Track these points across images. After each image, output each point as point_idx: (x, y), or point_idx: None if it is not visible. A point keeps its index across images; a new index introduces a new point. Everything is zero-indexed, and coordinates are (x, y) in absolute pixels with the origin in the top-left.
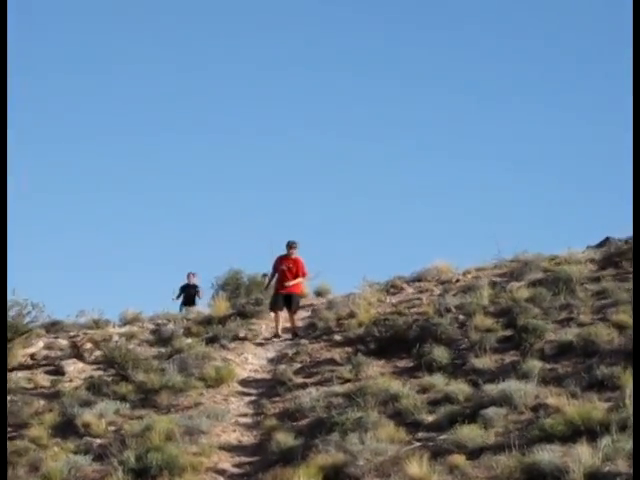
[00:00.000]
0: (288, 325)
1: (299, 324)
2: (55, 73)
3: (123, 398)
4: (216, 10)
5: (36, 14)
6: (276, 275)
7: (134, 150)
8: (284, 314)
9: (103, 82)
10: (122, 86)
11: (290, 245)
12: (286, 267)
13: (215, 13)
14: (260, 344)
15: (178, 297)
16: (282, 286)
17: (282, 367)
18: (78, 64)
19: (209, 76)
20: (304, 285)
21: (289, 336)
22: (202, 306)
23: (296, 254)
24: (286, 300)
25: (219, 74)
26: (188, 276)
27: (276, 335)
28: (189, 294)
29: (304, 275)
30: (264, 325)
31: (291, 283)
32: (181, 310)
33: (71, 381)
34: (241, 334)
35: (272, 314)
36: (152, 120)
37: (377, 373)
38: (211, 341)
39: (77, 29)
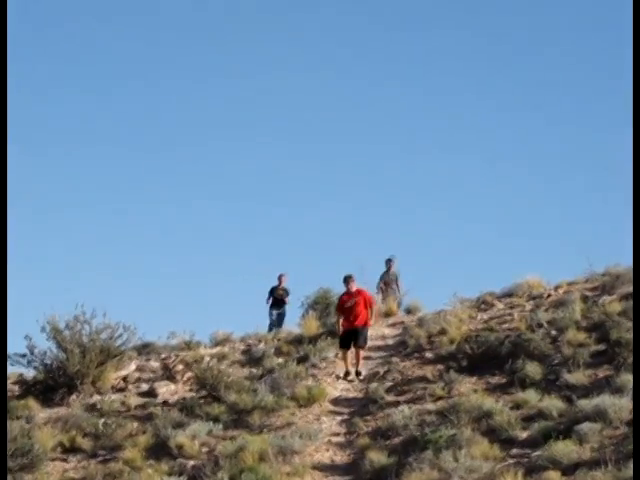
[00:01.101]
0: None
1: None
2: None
3: (216, 419)
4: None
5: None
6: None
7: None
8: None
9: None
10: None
11: (347, 280)
12: (350, 304)
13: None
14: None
15: (268, 300)
16: (349, 323)
17: (374, 385)
18: (81, 65)
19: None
20: (375, 314)
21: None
22: (290, 310)
23: (355, 286)
24: (352, 334)
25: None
26: (279, 278)
27: (347, 373)
28: (278, 295)
29: (371, 305)
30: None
31: (358, 317)
32: (270, 314)
33: (164, 403)
34: (332, 353)
35: (341, 352)
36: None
37: (469, 390)
38: (302, 360)
39: (76, 28)
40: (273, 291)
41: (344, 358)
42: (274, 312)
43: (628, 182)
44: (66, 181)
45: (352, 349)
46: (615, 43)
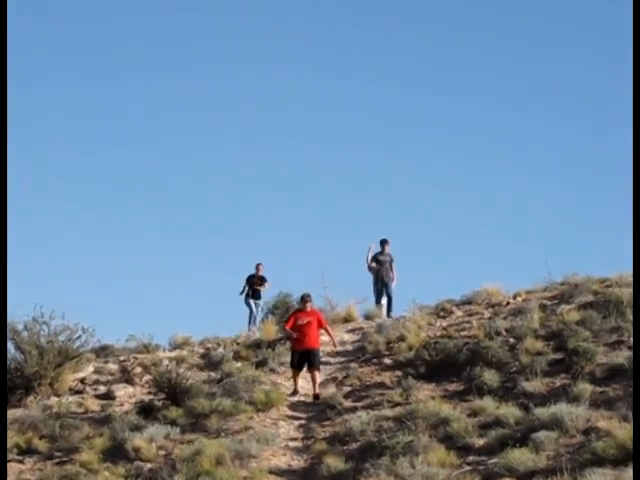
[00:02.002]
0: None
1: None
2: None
3: (173, 422)
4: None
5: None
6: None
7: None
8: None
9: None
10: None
11: (304, 299)
12: (302, 322)
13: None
14: None
15: (242, 291)
16: (301, 342)
17: (332, 391)
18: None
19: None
20: (332, 334)
21: (309, 396)
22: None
23: (310, 307)
24: (306, 356)
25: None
26: (257, 267)
27: (295, 391)
28: (257, 284)
29: (325, 328)
30: None
31: (311, 338)
32: (247, 303)
33: (121, 405)
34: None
35: (292, 371)
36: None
37: (427, 397)
38: (260, 365)
39: (77, 28)
40: (250, 279)
41: (294, 377)
42: (252, 302)
43: (587, 190)
44: (27, 179)
45: (304, 370)
46: (615, 44)
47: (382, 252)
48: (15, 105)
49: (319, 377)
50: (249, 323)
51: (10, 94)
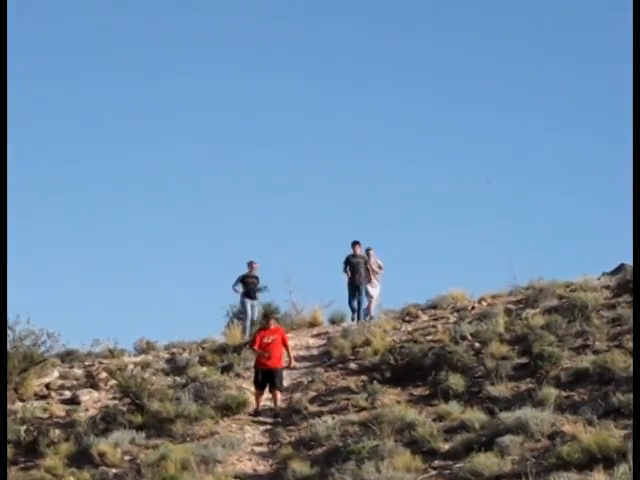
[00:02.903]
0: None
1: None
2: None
3: (139, 427)
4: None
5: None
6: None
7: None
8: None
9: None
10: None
11: (267, 316)
12: (268, 340)
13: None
14: None
15: (236, 286)
16: (264, 360)
17: (297, 395)
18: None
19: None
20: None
21: (269, 415)
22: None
23: (274, 324)
24: (269, 376)
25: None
26: (250, 265)
27: (256, 412)
28: (252, 284)
29: (286, 345)
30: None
31: (275, 357)
32: (243, 303)
33: (86, 410)
34: None
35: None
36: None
37: (393, 401)
38: (226, 370)
39: (76, 27)
40: (244, 279)
41: (256, 397)
42: (248, 302)
43: (553, 194)
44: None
45: (266, 390)
46: (615, 44)
47: (354, 254)
48: None
49: (280, 396)
50: (246, 326)
51: None
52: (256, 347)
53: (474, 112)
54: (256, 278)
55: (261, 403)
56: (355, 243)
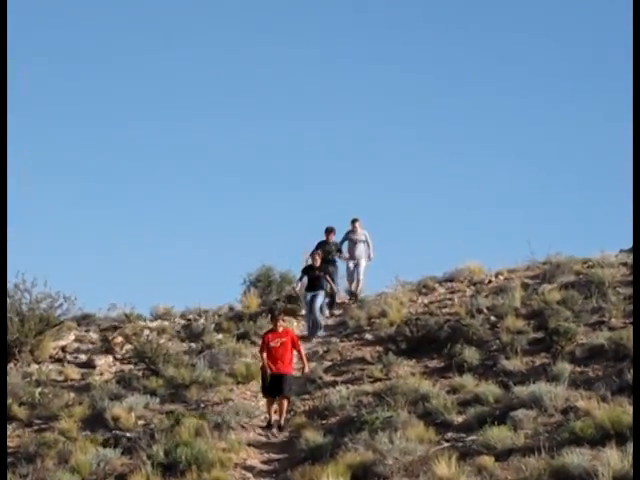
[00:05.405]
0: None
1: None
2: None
3: (153, 392)
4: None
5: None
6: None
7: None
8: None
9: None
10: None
11: (275, 317)
12: (277, 343)
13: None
14: None
15: (301, 279)
16: (273, 365)
17: (312, 365)
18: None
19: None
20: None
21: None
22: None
23: (284, 325)
24: (278, 382)
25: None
26: (313, 257)
27: (270, 425)
28: (315, 277)
29: (298, 346)
30: (295, 322)
31: (285, 362)
32: (306, 298)
33: (101, 374)
34: None
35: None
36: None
37: (407, 373)
38: (242, 337)
39: (77, 27)
40: (308, 271)
41: (268, 407)
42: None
43: (572, 171)
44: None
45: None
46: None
47: (327, 241)
48: None
49: (287, 406)
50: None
51: None
52: (264, 354)
53: (492, 86)
54: (320, 270)
55: (273, 413)
56: (328, 230)
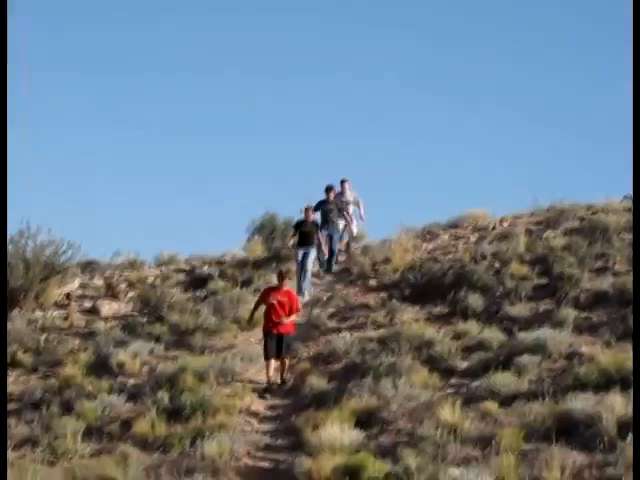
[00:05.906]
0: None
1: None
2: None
3: (157, 339)
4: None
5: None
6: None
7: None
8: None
9: None
10: None
11: (281, 275)
12: (277, 301)
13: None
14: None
15: (293, 235)
16: (273, 324)
17: (316, 311)
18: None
19: None
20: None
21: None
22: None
23: (289, 285)
24: (278, 344)
25: None
26: (306, 211)
27: (267, 389)
28: (307, 232)
29: (298, 311)
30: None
31: (285, 321)
32: (297, 256)
33: (106, 321)
34: (275, 278)
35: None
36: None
37: (411, 319)
38: (245, 284)
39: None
40: (299, 226)
41: (267, 368)
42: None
43: (576, 120)
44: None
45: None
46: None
47: (327, 200)
48: None
49: (286, 366)
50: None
51: None
52: (262, 299)
53: (503, 38)
54: (314, 224)
55: (271, 373)
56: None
